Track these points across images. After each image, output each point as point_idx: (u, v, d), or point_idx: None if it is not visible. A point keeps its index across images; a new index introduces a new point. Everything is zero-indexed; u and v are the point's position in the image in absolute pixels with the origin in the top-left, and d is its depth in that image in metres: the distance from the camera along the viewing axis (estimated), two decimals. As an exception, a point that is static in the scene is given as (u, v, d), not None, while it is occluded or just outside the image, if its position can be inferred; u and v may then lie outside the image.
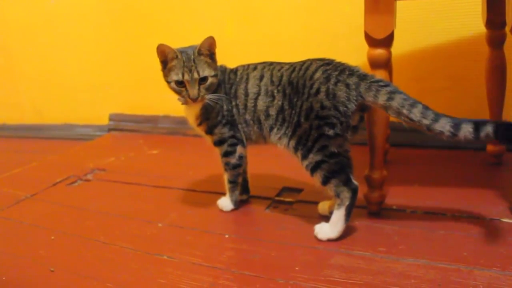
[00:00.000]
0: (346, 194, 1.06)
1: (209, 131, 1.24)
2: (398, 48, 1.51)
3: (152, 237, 1.21)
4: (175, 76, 1.15)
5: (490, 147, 1.43)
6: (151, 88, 2.26)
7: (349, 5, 1.71)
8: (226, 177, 1.28)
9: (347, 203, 1.06)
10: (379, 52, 1.09)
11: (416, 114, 0.97)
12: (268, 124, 1.16)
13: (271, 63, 1.20)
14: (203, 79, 1.15)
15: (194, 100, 1.15)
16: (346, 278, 0.93)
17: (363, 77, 1.02)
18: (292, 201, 1.33)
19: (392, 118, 1.41)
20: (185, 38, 2.12)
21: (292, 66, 1.14)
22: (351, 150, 1.12)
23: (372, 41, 1.09)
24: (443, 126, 0.96)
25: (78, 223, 1.34)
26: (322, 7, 1.78)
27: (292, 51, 1.88)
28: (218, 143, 1.24)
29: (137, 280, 1.01)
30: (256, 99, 1.17)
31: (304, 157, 1.08)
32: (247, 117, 1.20)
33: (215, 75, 1.18)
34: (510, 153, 1.43)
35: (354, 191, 1.07)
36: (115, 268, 1.07)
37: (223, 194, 1.32)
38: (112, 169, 1.81)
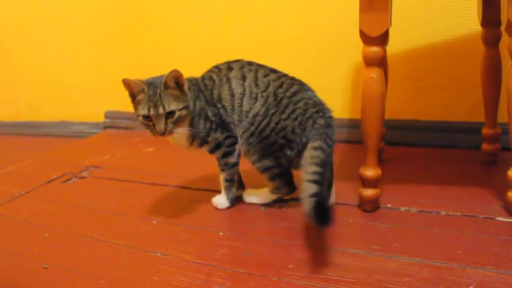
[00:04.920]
0: (284, 191, 1.26)
1: (203, 143, 1.23)
2: (394, 46, 1.52)
3: (146, 234, 1.21)
4: (141, 111, 1.12)
5: (485, 146, 1.43)
6: (147, 86, 2.25)
7: (345, 2, 1.71)
8: (223, 176, 1.28)
9: (281, 195, 1.27)
10: (374, 49, 1.09)
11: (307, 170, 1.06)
12: (244, 124, 1.20)
13: (249, 63, 1.24)
14: (169, 113, 1.12)
15: (162, 134, 1.13)
16: (340, 276, 0.93)
17: (327, 125, 1.16)
18: (287, 199, 1.32)
19: (388, 116, 1.42)
20: (181, 35, 2.13)
21: (280, 80, 1.21)
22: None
23: (367, 39, 1.09)
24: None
25: (72, 220, 1.34)
26: (318, 5, 1.78)
27: (288, 48, 1.88)
28: (215, 148, 1.24)
29: (130, 277, 1.01)
30: (241, 99, 1.20)
31: (259, 160, 1.21)
32: (235, 117, 1.21)
33: (185, 107, 1.14)
34: (505, 152, 1.43)
35: (292, 191, 1.26)
36: (108, 265, 1.07)
37: (218, 192, 1.32)
38: (107, 167, 1.80)
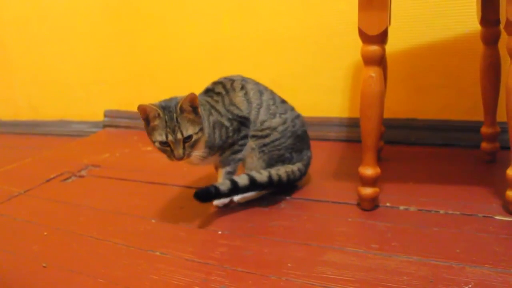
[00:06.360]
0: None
1: (222, 151, 1.26)
2: (393, 45, 1.52)
3: (145, 233, 1.21)
4: (159, 137, 1.12)
5: (484, 145, 1.43)
6: (146, 85, 2.25)
7: (344, 1, 1.71)
8: (225, 169, 1.28)
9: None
10: (373, 48, 1.09)
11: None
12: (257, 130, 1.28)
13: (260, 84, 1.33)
14: (187, 138, 1.12)
15: (180, 159, 1.13)
16: (339, 275, 0.93)
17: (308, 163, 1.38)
18: (286, 197, 1.32)
19: (387, 115, 1.42)
20: (180, 33, 2.12)
21: (296, 113, 1.34)
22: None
23: (366, 38, 1.09)
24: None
25: (71, 219, 1.34)
26: (317, 3, 1.78)
27: (287, 47, 1.88)
28: (228, 147, 1.27)
29: (130, 276, 1.01)
30: (259, 109, 1.27)
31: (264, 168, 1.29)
32: (251, 118, 1.27)
33: (201, 129, 1.15)
34: (504, 151, 1.43)
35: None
36: (107, 264, 1.07)
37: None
38: (107, 165, 1.80)
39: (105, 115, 2.41)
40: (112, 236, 1.20)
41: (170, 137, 1.10)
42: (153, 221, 1.27)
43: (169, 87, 2.18)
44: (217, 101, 1.27)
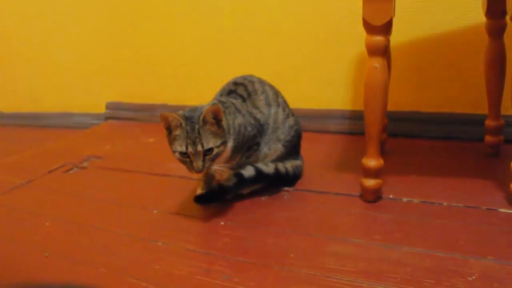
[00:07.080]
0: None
1: (242, 154, 1.26)
2: (397, 37, 1.51)
3: (147, 223, 1.21)
4: (179, 147, 1.09)
5: (488, 138, 1.42)
6: (149, 77, 2.24)
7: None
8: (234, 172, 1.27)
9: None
10: (377, 39, 1.08)
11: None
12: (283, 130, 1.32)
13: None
14: (208, 150, 1.09)
15: (199, 172, 1.10)
16: (341, 266, 0.93)
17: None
18: (289, 189, 1.32)
19: (391, 108, 1.41)
20: (183, 25, 2.11)
21: (295, 119, 1.37)
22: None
23: (370, 28, 1.08)
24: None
25: (73, 210, 1.34)
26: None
27: (290, 39, 1.87)
28: (246, 151, 1.27)
29: (131, 266, 1.01)
30: (277, 112, 1.31)
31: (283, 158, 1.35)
32: (270, 122, 1.30)
33: (223, 143, 1.12)
34: (507, 144, 1.43)
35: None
36: (109, 253, 1.07)
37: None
38: (108, 157, 1.80)
39: (107, 107, 2.41)
40: (114, 226, 1.20)
41: (190, 149, 1.08)
42: (155, 211, 1.27)
43: (171, 79, 2.17)
44: (241, 104, 1.27)
